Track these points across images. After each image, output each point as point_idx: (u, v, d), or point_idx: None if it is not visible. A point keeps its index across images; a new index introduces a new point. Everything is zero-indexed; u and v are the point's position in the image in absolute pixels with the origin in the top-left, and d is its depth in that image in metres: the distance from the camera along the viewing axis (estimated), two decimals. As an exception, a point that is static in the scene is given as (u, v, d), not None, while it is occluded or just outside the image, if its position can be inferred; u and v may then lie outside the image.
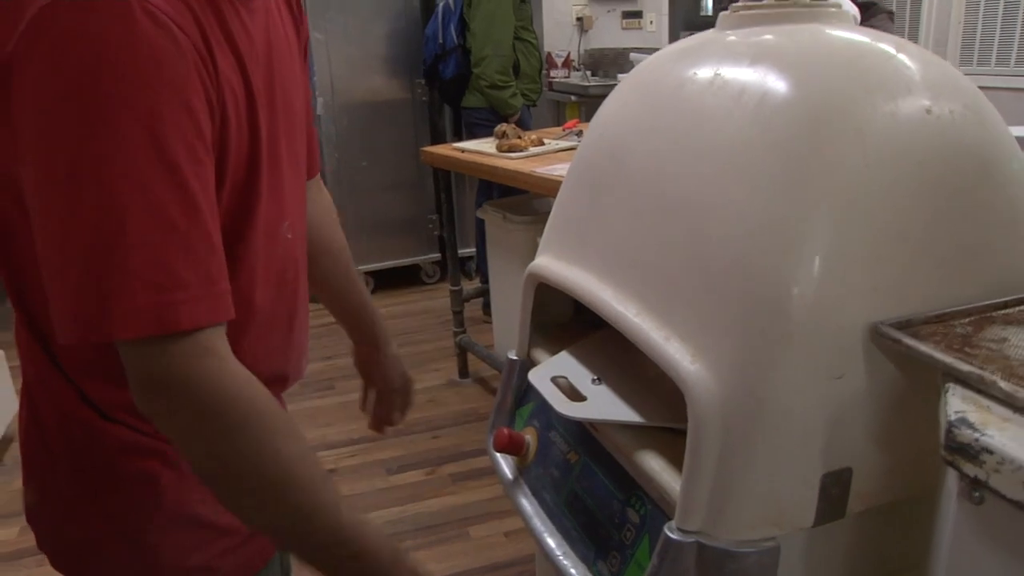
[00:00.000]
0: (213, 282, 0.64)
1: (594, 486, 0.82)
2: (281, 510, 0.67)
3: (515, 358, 1.01)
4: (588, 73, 5.01)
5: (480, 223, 3.14)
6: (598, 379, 0.84)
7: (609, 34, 5.15)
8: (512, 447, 0.95)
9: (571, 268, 0.88)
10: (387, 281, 3.96)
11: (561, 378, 0.86)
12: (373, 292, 3.98)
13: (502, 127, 2.61)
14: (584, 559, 0.79)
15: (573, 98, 4.60)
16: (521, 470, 0.96)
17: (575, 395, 0.82)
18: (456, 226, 2.97)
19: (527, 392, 1.01)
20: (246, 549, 0.85)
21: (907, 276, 0.66)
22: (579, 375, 0.86)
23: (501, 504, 2.15)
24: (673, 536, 0.65)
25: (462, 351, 2.92)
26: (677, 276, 0.71)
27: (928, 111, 0.68)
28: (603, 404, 0.80)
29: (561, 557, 0.82)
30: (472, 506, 2.16)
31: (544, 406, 0.96)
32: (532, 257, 2.55)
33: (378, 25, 3.73)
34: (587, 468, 0.84)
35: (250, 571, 0.87)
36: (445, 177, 2.96)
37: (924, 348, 0.57)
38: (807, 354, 0.62)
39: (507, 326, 2.83)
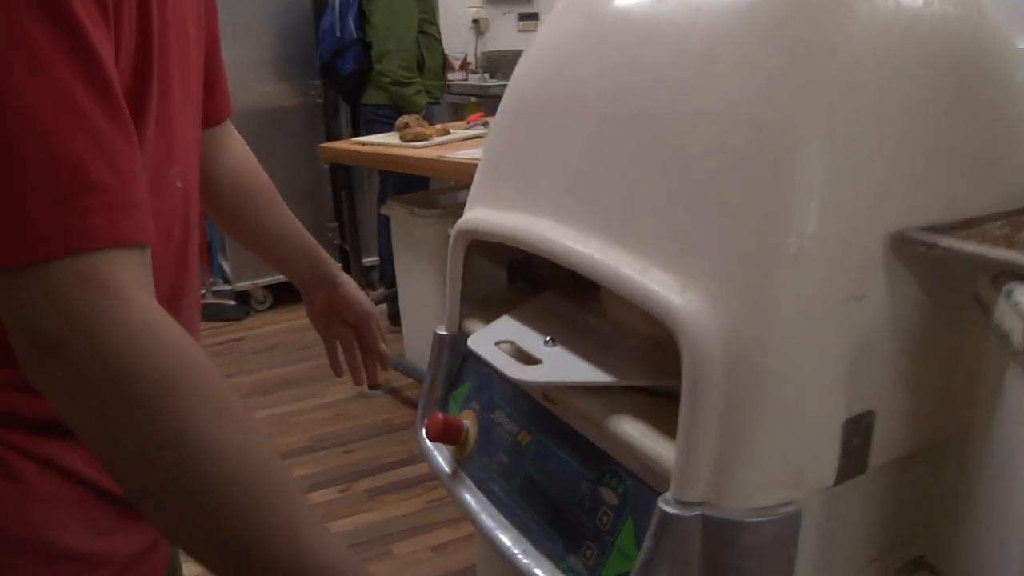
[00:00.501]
0: (135, 186, 0.46)
1: (554, 468, 0.69)
2: (221, 534, 0.49)
3: (444, 333, 0.87)
4: (486, 76, 4.92)
5: (384, 226, 2.98)
6: (552, 340, 0.71)
7: (506, 36, 5.08)
8: (449, 434, 0.80)
9: (511, 215, 0.75)
10: (286, 295, 3.72)
11: (506, 343, 0.73)
12: (271, 307, 3.76)
13: (404, 119, 2.47)
14: (550, 555, 0.66)
15: (473, 99, 4.49)
16: (460, 461, 0.82)
17: (527, 359, 0.69)
18: (358, 232, 2.81)
19: (461, 372, 0.87)
20: None
21: (924, 180, 0.55)
22: (528, 338, 0.73)
23: (424, 518, 1.99)
24: (670, 510, 0.52)
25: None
26: (652, 199, 0.59)
27: (929, -8, 0.58)
28: (563, 366, 0.67)
29: (521, 556, 0.68)
30: (392, 522, 1.99)
31: (483, 384, 0.82)
32: (442, 253, 2.40)
33: (266, 24, 3.52)
34: (544, 448, 0.71)
35: None
36: (345, 176, 2.79)
37: (971, 248, 0.47)
38: (821, 271, 0.51)
39: (418, 331, 2.68)
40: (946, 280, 0.55)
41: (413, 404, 2.28)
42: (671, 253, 0.56)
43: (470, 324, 0.85)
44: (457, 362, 0.87)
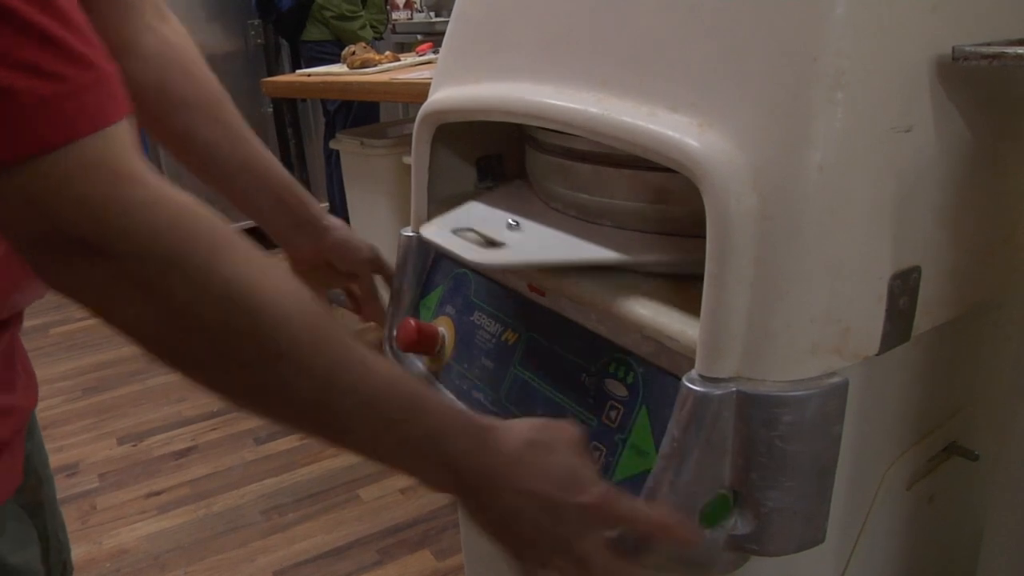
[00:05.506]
0: (104, 53, 0.40)
1: (548, 365, 0.61)
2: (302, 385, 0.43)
3: (411, 234, 0.78)
4: (432, 14, 4.74)
5: (333, 168, 2.85)
6: (516, 223, 0.62)
7: (450, -28, 4.89)
8: (423, 343, 0.72)
9: (482, 86, 0.66)
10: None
11: (466, 231, 0.63)
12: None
13: (351, 47, 2.32)
14: (548, 460, 0.58)
15: (419, 37, 4.32)
16: (437, 373, 0.74)
17: (489, 244, 0.60)
18: (308, 176, 2.68)
19: (432, 276, 0.78)
20: None
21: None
22: (492, 222, 0.64)
23: (392, 460, 1.91)
24: (698, 388, 0.45)
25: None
26: (654, 32, 0.50)
27: None
28: (535, 247, 0.59)
29: (514, 464, 0.60)
30: (358, 466, 1.90)
31: (458, 285, 0.74)
32: (396, 186, 2.25)
33: (196, -40, 3.31)
34: (534, 345, 0.63)
35: None
36: (291, 114, 2.65)
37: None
38: (865, 97, 0.43)
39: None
40: (997, 107, 0.48)
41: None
42: (682, 92, 0.47)
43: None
44: (427, 265, 0.78)
